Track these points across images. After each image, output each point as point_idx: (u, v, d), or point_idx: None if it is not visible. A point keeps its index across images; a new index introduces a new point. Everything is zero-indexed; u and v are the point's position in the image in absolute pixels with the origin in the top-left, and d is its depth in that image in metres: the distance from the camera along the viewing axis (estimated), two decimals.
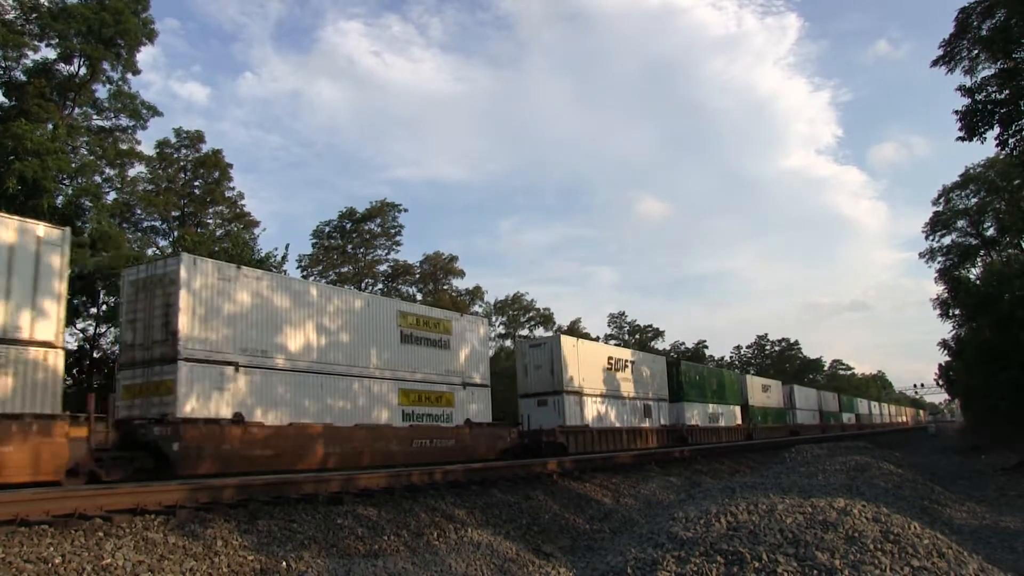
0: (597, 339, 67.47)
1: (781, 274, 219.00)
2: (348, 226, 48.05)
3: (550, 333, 62.42)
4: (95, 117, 31.65)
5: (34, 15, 27.42)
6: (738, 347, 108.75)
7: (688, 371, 36.19)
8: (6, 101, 27.80)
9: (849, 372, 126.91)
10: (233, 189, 39.44)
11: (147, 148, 35.70)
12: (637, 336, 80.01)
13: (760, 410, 45.87)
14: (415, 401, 19.34)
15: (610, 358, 29.13)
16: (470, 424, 20.74)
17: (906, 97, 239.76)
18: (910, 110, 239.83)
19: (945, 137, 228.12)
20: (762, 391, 47.59)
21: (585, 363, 26.60)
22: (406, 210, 49.01)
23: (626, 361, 30.23)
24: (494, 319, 60.72)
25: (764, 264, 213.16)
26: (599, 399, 27.11)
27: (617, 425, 27.92)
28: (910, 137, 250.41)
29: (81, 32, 27.45)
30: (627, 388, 29.64)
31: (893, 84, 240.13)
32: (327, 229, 48.20)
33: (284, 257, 35.44)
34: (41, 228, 12.42)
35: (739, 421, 41.24)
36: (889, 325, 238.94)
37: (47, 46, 28.33)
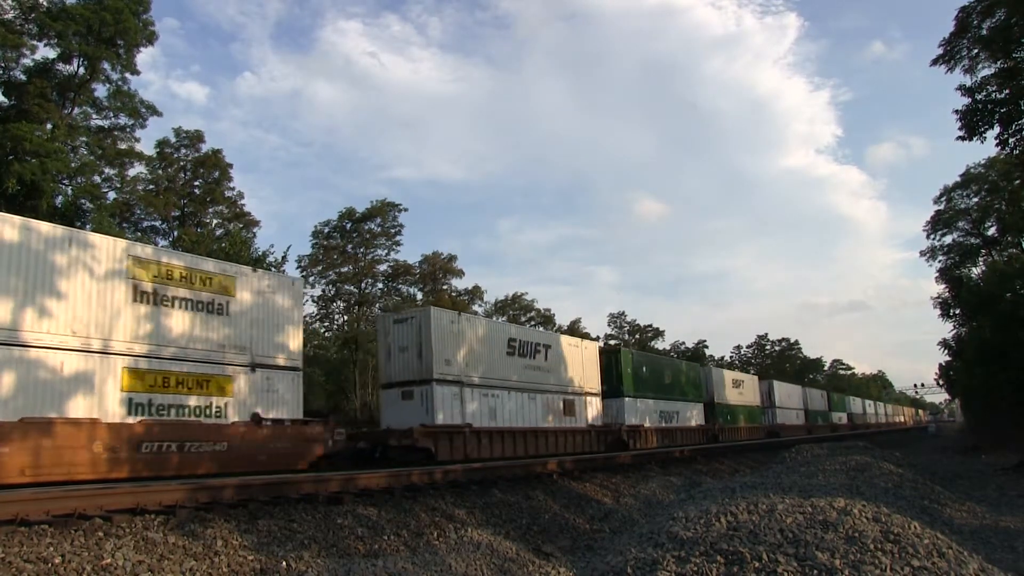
0: (598, 338, 67.24)
1: (781, 274, 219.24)
2: (348, 226, 48.07)
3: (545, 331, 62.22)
4: (94, 117, 31.69)
5: (32, 15, 27.42)
6: (738, 347, 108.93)
7: (631, 361, 30.02)
8: (5, 101, 27.81)
9: (849, 372, 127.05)
10: (233, 189, 39.54)
11: (147, 148, 35.76)
12: (637, 336, 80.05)
13: (729, 408, 40.46)
14: (157, 386, 13.85)
15: (512, 340, 22.75)
16: (257, 421, 15.26)
17: (905, 97, 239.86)
18: (908, 110, 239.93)
19: (943, 137, 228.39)
20: (733, 387, 42.22)
21: (472, 345, 20.88)
22: (406, 210, 49.02)
23: (536, 345, 23.91)
24: (494, 319, 60.71)
25: (764, 264, 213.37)
26: (492, 391, 21.22)
27: (519, 425, 21.92)
28: (908, 137, 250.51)
29: (81, 32, 27.46)
30: (538, 379, 23.46)
31: (891, 84, 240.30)
32: (327, 229, 48.24)
33: (284, 257, 35.48)
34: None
35: (700, 421, 35.71)
36: (888, 325, 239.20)
37: (46, 46, 28.36)
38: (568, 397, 24.97)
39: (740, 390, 43.24)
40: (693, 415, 35.31)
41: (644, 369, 31.20)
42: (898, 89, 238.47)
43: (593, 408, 26.40)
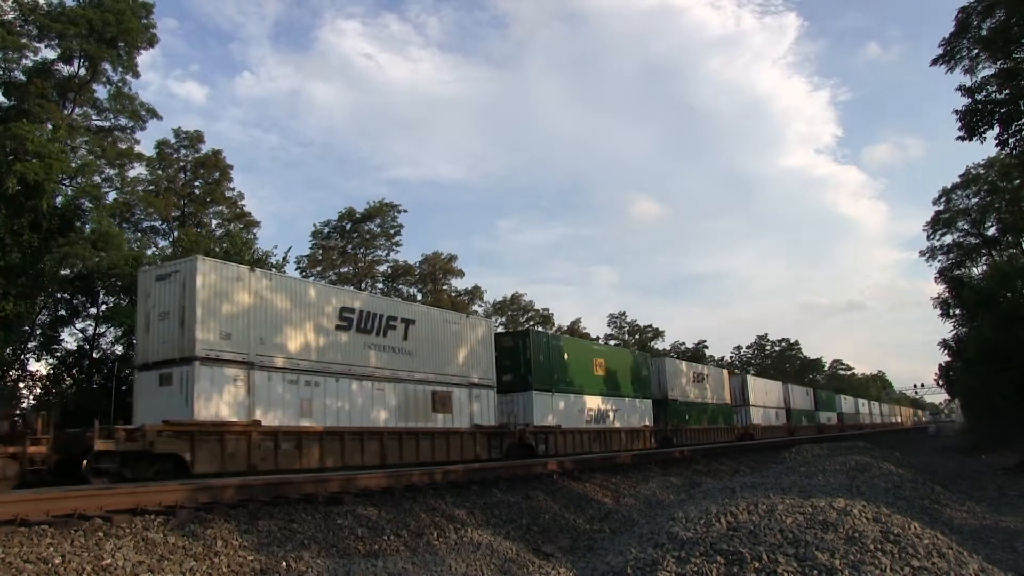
0: (598, 338, 66.79)
1: (780, 274, 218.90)
2: (348, 226, 48.07)
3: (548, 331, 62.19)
4: (95, 117, 31.68)
5: (31, 16, 27.42)
6: (738, 347, 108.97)
7: (544, 347, 24.32)
8: (5, 101, 27.81)
9: (849, 372, 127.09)
10: (233, 190, 39.49)
11: (146, 148, 35.73)
12: (637, 336, 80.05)
13: (686, 407, 34.56)
14: None
15: (346, 311, 17.39)
16: None
17: (903, 98, 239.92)
18: (907, 111, 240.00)
19: (940, 138, 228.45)
20: (693, 381, 36.46)
21: (276, 313, 15.74)
22: (405, 211, 49.03)
23: (389, 319, 18.52)
24: (494, 319, 60.73)
25: (763, 264, 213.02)
26: (309, 378, 16.10)
27: (353, 424, 16.77)
28: (905, 138, 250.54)
29: (82, 33, 27.46)
30: (391, 363, 18.26)
31: (889, 85, 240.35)
32: (326, 230, 48.24)
33: (285, 258, 35.48)
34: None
35: (648, 421, 30.24)
36: (887, 326, 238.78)
37: (47, 47, 28.36)
38: (440, 389, 19.45)
39: (703, 385, 37.17)
40: (637, 415, 29.62)
41: (564, 357, 25.13)
42: (896, 90, 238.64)
43: (482, 404, 20.91)
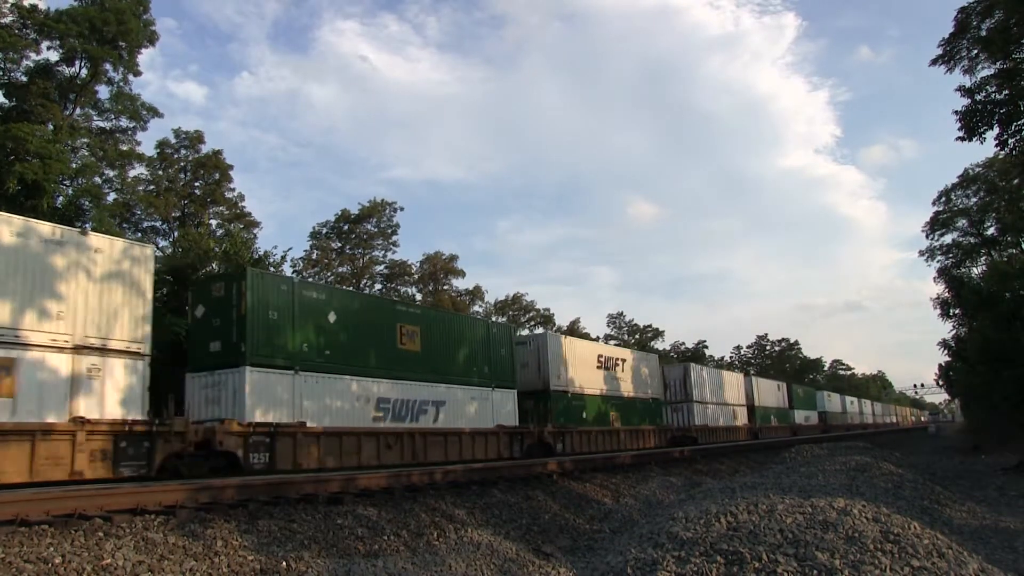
0: (597, 338, 66.33)
1: (780, 274, 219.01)
2: (345, 227, 48.09)
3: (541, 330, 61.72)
4: (96, 118, 31.71)
5: (29, 19, 27.44)
6: (738, 347, 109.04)
7: (275, 295, 15.55)
8: (6, 102, 27.83)
9: (849, 372, 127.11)
10: (234, 190, 39.55)
11: (147, 149, 35.78)
12: (637, 336, 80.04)
13: (583, 401, 25.67)
14: None
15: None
16: None
17: (901, 98, 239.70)
18: (905, 111, 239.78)
19: (937, 138, 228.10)
20: (596, 367, 27.19)
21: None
22: (402, 208, 49.07)
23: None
24: (495, 319, 60.67)
25: (763, 264, 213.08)
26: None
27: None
28: (900, 139, 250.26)
29: (83, 33, 27.48)
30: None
31: (886, 85, 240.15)
32: (323, 230, 48.27)
33: (283, 258, 35.49)
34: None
35: (510, 420, 22.03)
36: (885, 326, 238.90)
37: (48, 48, 28.39)
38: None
39: (612, 374, 28.29)
40: (490, 409, 21.28)
41: (330, 319, 16.47)
42: (891, 90, 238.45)
43: (112, 385, 12.63)
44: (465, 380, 20.71)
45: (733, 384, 41.63)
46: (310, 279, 43.75)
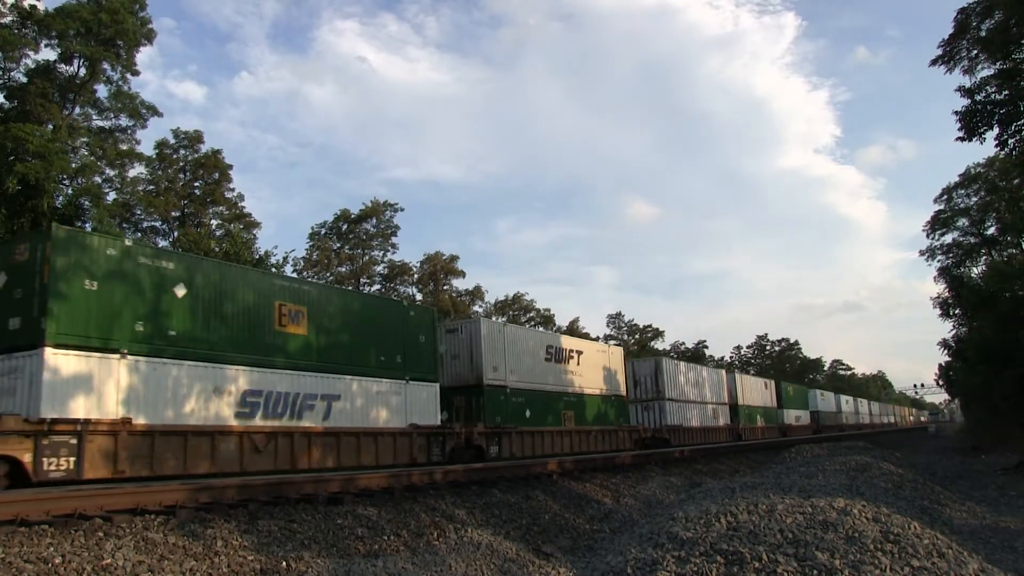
0: (598, 339, 66.38)
1: (780, 274, 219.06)
2: (344, 227, 48.10)
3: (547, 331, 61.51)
4: (95, 117, 31.72)
5: (28, 20, 27.46)
6: (738, 347, 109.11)
7: (105, 260, 12.47)
8: (6, 103, 27.84)
9: (849, 372, 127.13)
10: (233, 190, 39.55)
11: (146, 149, 35.78)
12: (636, 336, 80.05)
13: (524, 396, 22.27)
14: None
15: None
16: None
17: (900, 98, 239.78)
18: (905, 111, 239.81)
19: (936, 138, 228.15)
20: (545, 359, 23.99)
21: None
22: (402, 209, 49.02)
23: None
24: (496, 319, 60.55)
25: (762, 264, 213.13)
26: None
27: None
28: (898, 140, 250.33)
29: (80, 33, 27.48)
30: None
31: (885, 85, 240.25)
32: (323, 231, 48.28)
33: (285, 259, 35.51)
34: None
35: (426, 419, 18.52)
36: (884, 326, 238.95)
37: (46, 47, 28.41)
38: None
39: (563, 367, 25.08)
40: (404, 406, 17.92)
41: (177, 293, 13.52)
42: (889, 91, 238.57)
43: None
44: (368, 371, 17.19)
45: (713, 381, 38.35)
46: (312, 279, 42.73)
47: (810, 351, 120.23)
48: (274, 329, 15.20)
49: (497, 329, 22.43)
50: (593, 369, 26.85)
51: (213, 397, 13.70)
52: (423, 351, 19.08)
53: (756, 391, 44.78)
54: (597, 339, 67.26)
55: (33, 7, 27.63)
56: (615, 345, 30.97)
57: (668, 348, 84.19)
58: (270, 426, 14.47)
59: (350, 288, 23.17)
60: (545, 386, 23.77)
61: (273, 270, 30.36)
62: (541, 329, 35.44)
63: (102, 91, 30.76)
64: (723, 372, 42.13)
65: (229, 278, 14.83)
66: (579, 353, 26.36)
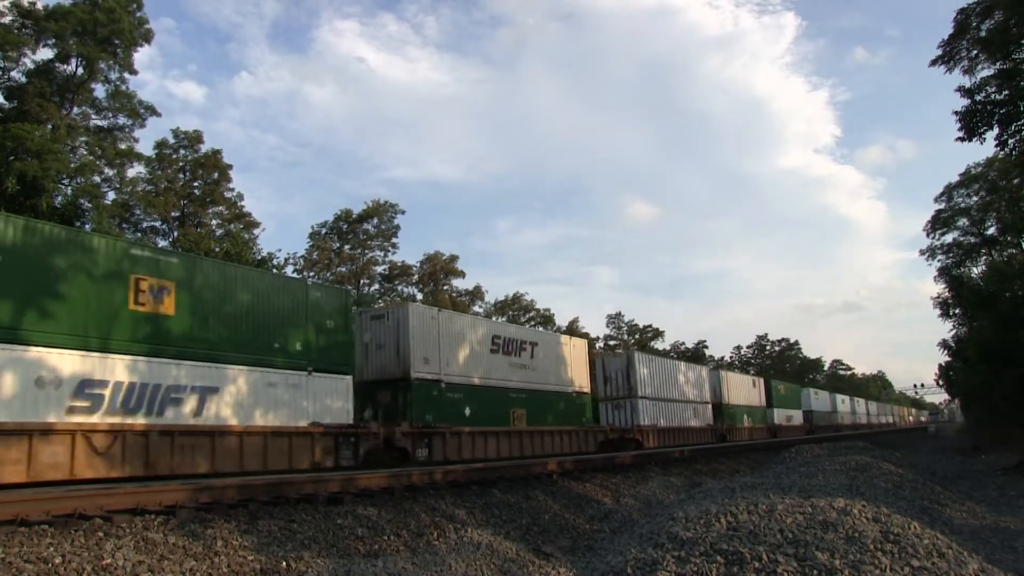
0: (597, 340, 66.08)
1: (780, 274, 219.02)
2: (345, 227, 48.09)
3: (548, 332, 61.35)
4: (94, 117, 31.71)
5: (29, 19, 27.45)
6: (738, 347, 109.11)
7: None
8: (6, 103, 27.85)
9: (849, 372, 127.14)
10: (233, 190, 39.53)
11: (145, 148, 35.78)
12: (636, 336, 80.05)
13: (467, 393, 20.19)
14: None
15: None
16: None
17: (899, 98, 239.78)
18: (904, 111, 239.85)
19: (935, 138, 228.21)
20: (491, 354, 21.64)
21: None
22: (403, 211, 49.01)
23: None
24: (496, 318, 60.49)
25: (762, 264, 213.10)
26: None
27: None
28: (897, 140, 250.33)
29: (77, 32, 27.47)
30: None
31: (885, 85, 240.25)
32: (323, 231, 48.27)
33: (286, 260, 35.50)
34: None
35: (293, 419, 15.42)
36: (884, 326, 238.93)
37: (44, 47, 28.40)
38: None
39: (519, 360, 22.62)
40: (305, 402, 15.59)
41: None
42: (893, 90, 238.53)
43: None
44: (258, 359, 14.79)
45: (694, 378, 35.76)
46: (312, 278, 43.13)
47: (810, 351, 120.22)
48: (128, 308, 12.78)
49: (430, 315, 19.96)
50: (551, 363, 24.50)
51: (34, 389, 11.29)
52: (333, 338, 16.53)
53: (743, 389, 42.39)
54: (596, 339, 67.34)
55: (32, 5, 27.64)
56: (578, 337, 28.66)
57: (668, 348, 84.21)
58: (117, 424, 12.05)
59: (232, 263, 18.70)
60: (490, 381, 21.31)
61: (274, 271, 30.32)
62: (486, 319, 32.33)
63: (100, 91, 30.79)
64: (705, 369, 39.51)
65: (60, 244, 12.16)
66: (533, 345, 23.80)
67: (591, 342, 34.20)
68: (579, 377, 26.07)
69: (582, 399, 25.94)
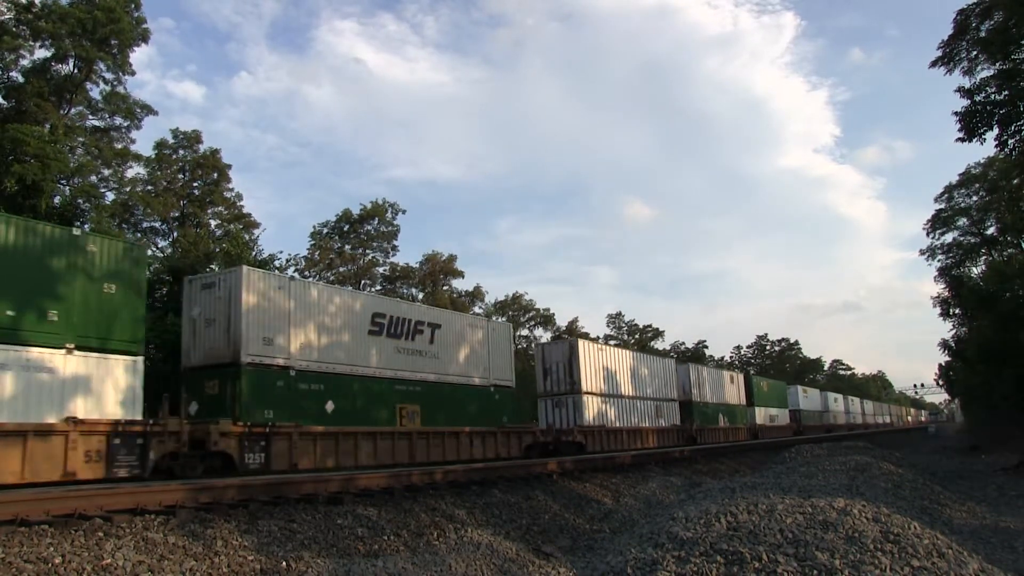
0: (598, 339, 66.19)
1: (779, 274, 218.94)
2: (346, 228, 48.06)
3: (548, 334, 60.71)
4: (91, 117, 31.68)
5: (28, 17, 27.43)
6: (738, 347, 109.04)
7: None
8: (4, 103, 27.83)
9: (849, 372, 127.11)
10: (232, 190, 39.47)
11: (144, 148, 35.77)
12: (636, 336, 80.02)
13: (323, 385, 16.63)
14: None
15: None
16: None
17: (899, 98, 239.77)
18: (903, 111, 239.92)
19: (935, 138, 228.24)
20: (369, 335, 18.06)
21: None
22: (404, 211, 48.93)
23: None
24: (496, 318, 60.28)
25: (762, 264, 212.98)
26: None
27: None
28: (895, 141, 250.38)
29: (75, 32, 27.43)
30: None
31: (883, 85, 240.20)
32: (324, 231, 48.23)
33: (288, 261, 35.48)
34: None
35: (107, 410, 12.48)
36: (883, 326, 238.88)
37: (41, 47, 28.38)
38: None
39: (412, 345, 19.28)
40: (26, 389, 11.47)
41: None
42: (892, 90, 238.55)
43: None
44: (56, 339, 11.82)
45: (658, 373, 31.66)
46: (313, 279, 43.32)
47: (810, 351, 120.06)
48: None
49: (276, 284, 16.19)
50: (460, 349, 20.74)
51: None
52: (112, 308, 12.94)
53: (717, 386, 38.36)
54: (596, 339, 67.06)
55: (31, 2, 27.59)
56: (502, 321, 24.15)
57: (668, 348, 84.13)
58: None
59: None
60: (366, 370, 17.74)
61: (276, 272, 30.36)
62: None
63: (97, 91, 30.75)
64: (671, 363, 34.96)
65: None
66: (433, 327, 19.85)
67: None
68: (499, 368, 22.19)
69: (506, 394, 22.27)
